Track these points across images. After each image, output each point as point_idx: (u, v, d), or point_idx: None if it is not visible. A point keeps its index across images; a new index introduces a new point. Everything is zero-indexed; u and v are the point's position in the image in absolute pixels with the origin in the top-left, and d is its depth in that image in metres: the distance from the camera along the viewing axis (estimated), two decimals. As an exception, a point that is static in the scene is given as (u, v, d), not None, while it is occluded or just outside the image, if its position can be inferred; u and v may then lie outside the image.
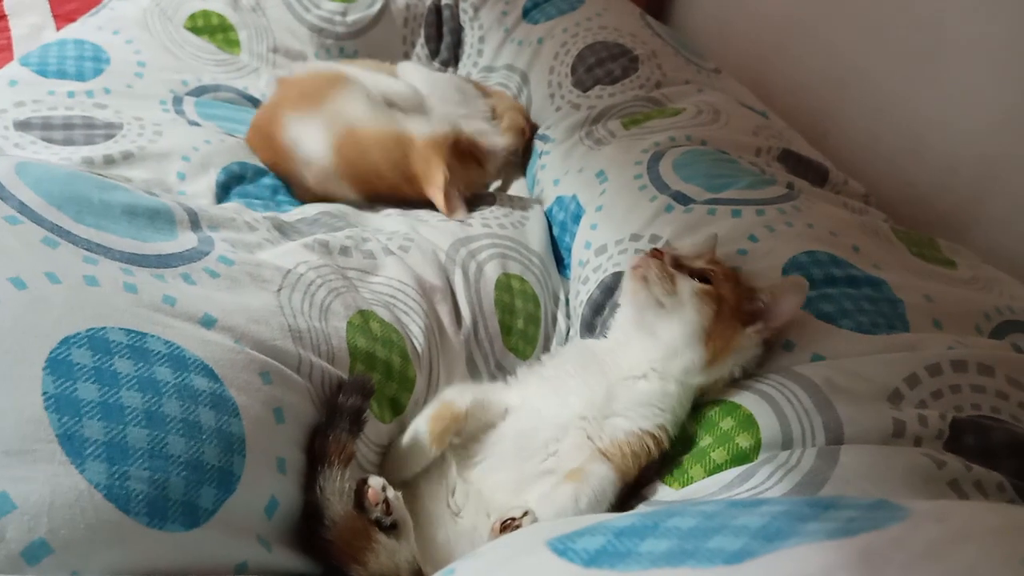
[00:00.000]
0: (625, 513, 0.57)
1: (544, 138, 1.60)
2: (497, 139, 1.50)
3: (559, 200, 1.43)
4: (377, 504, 0.78)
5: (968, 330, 0.97)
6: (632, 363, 0.92)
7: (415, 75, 1.63)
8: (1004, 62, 1.29)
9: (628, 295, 0.96)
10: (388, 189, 1.38)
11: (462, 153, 1.40)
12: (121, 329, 0.67)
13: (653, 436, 0.87)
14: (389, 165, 1.37)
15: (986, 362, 0.86)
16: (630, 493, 0.90)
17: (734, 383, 0.92)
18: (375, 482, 0.79)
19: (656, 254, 0.95)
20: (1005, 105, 1.30)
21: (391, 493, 0.80)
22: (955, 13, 1.37)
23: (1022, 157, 1.28)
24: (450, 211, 1.33)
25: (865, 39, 1.58)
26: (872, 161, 1.56)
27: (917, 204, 1.46)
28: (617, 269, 1.15)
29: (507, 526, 0.79)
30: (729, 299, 0.90)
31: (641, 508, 0.88)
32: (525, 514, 0.79)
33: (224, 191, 1.35)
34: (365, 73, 1.50)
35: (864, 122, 1.59)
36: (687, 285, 0.91)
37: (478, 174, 1.43)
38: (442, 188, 1.32)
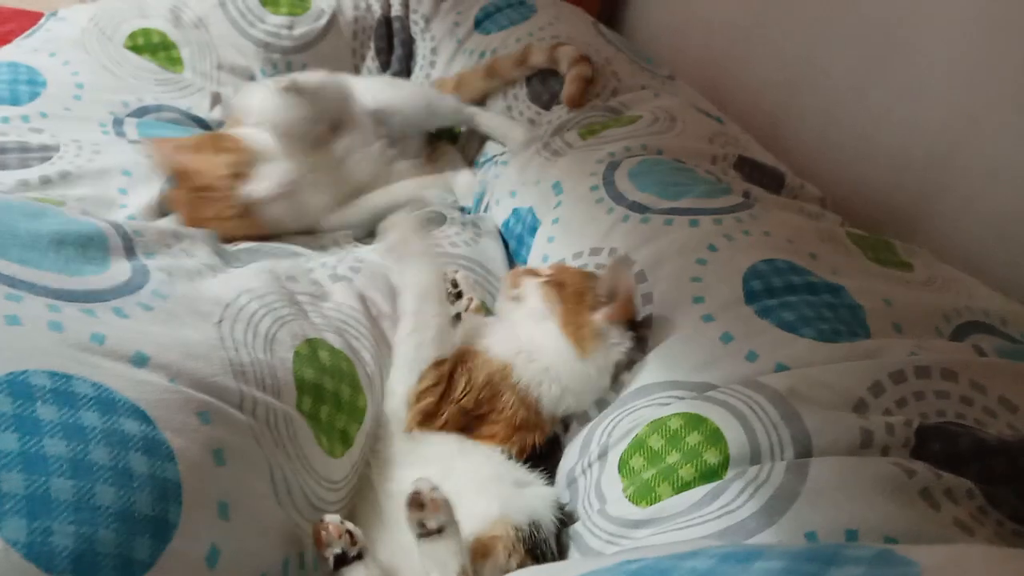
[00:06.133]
0: (604, 566, 0.53)
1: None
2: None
3: (515, 212, 1.40)
4: (340, 536, 0.76)
5: (929, 333, 0.97)
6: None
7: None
8: (949, 63, 1.31)
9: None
10: None
11: None
12: (44, 372, 0.63)
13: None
14: None
15: (950, 367, 0.85)
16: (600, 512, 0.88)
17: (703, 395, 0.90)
18: (332, 518, 0.78)
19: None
20: (951, 104, 1.31)
21: (350, 525, 0.78)
22: (901, 17, 1.38)
23: (969, 154, 1.29)
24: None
25: (814, 43, 1.59)
26: (825, 162, 1.57)
27: (870, 203, 1.47)
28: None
29: (415, 500, 0.78)
30: (571, 289, 1.04)
31: (605, 527, 0.85)
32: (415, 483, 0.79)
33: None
34: None
35: (816, 123, 1.60)
36: (533, 282, 1.07)
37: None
38: None
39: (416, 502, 0.78)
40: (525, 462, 0.99)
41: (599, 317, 1.01)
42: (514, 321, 1.07)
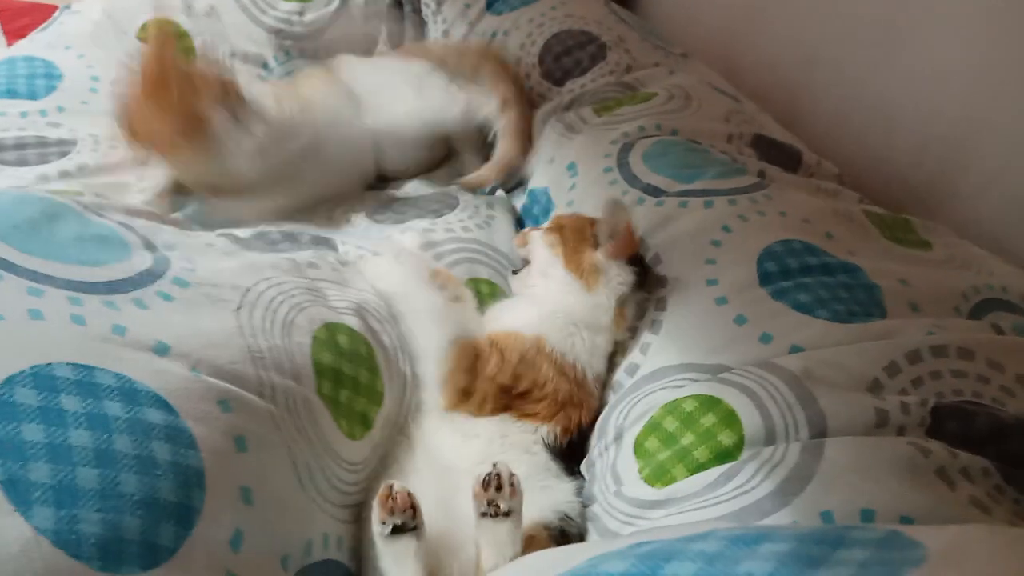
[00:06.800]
0: (615, 549, 0.54)
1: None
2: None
3: (531, 193, 1.40)
4: (406, 509, 0.77)
5: (946, 312, 0.96)
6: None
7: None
8: (966, 41, 1.28)
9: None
10: None
11: None
12: (68, 364, 0.65)
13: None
14: None
15: (966, 346, 0.85)
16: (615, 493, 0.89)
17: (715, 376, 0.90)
18: (402, 488, 0.78)
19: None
20: (969, 82, 1.29)
21: (417, 499, 0.79)
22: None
23: (989, 132, 1.27)
24: None
25: (829, 21, 1.56)
26: (843, 140, 1.54)
27: (890, 181, 1.45)
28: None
29: (488, 483, 0.79)
30: (570, 228, 1.12)
31: (622, 508, 0.86)
32: (495, 465, 0.81)
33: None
34: None
35: (833, 102, 1.58)
36: (536, 233, 1.17)
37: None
38: None
39: (494, 483, 0.79)
40: (568, 445, 0.99)
41: (600, 253, 1.06)
42: (529, 287, 1.11)
